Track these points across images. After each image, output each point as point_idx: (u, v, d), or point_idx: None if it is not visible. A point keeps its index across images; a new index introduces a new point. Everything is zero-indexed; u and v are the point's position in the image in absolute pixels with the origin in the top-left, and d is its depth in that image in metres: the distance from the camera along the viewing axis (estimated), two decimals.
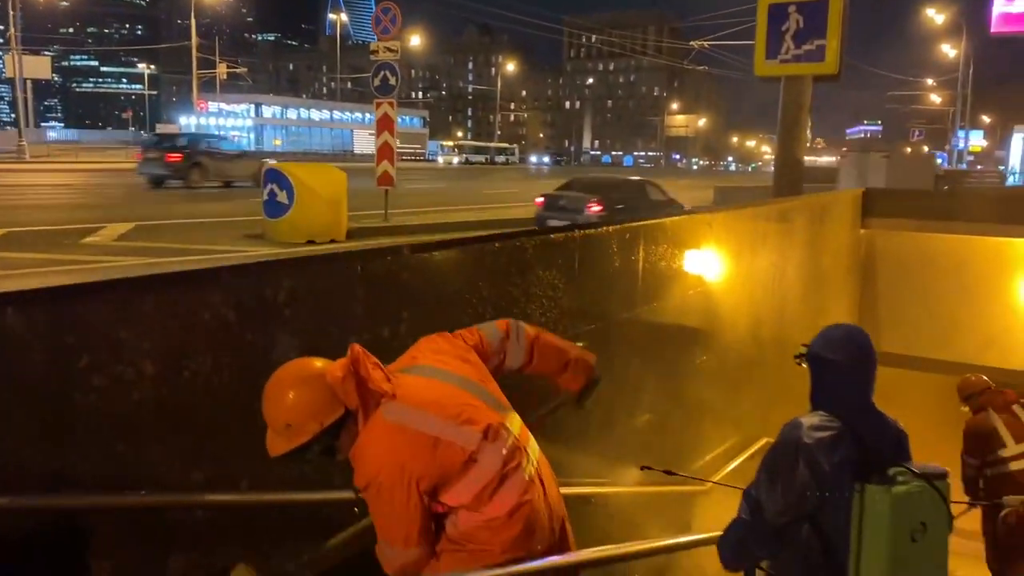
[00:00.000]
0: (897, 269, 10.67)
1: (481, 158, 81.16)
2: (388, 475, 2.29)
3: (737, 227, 6.69)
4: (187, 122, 69.46)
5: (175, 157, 21.91)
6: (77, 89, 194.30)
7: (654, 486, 5.48)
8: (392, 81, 14.94)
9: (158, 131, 52.46)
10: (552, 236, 4.26)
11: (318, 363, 2.37)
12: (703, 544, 3.11)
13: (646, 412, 5.48)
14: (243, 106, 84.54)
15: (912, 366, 11.00)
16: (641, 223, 5.08)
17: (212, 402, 2.64)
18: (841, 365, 2.66)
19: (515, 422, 2.59)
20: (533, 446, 2.64)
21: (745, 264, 6.92)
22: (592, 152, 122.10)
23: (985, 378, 6.54)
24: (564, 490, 3.47)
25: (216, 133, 44.73)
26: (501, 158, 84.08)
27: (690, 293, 5.99)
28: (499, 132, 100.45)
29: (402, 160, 52.76)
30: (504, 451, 2.44)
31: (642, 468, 4.45)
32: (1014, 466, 5.75)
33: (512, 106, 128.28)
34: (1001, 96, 71.48)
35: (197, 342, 2.57)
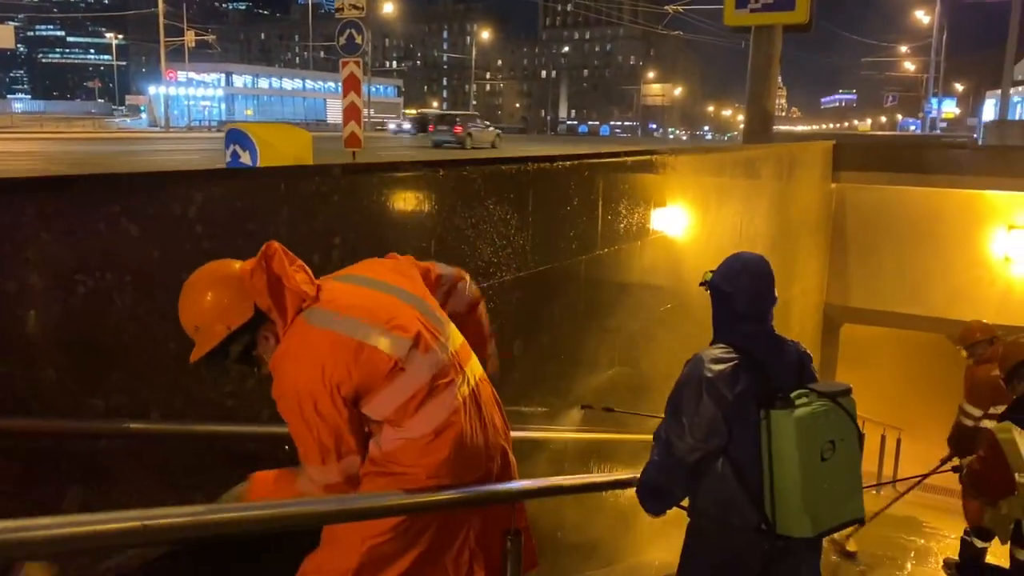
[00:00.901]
0: (868, 223, 10.55)
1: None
2: (307, 381, 2.11)
3: (702, 170, 6.51)
4: (156, 92, 68.00)
5: (459, 129, 28.46)
6: (43, 60, 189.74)
7: (612, 433, 5.34)
8: (358, 40, 14.56)
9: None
10: (503, 167, 4.04)
11: (236, 264, 2.22)
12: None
13: (607, 357, 5.31)
14: (213, 75, 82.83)
15: (882, 321, 10.96)
16: (601, 160, 4.88)
17: (115, 323, 2.42)
18: (737, 296, 2.66)
19: (454, 337, 2.40)
20: (473, 367, 2.44)
21: (712, 211, 6.75)
22: (569, 122, 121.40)
23: (991, 324, 6.16)
24: (517, 434, 3.30)
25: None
26: None
27: (654, 237, 5.81)
28: (474, 102, 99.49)
29: (375, 130, 52.07)
30: (436, 363, 2.26)
31: (582, 408, 4.33)
32: None
33: (488, 76, 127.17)
34: (974, 63, 71.69)
35: (92, 256, 2.34)
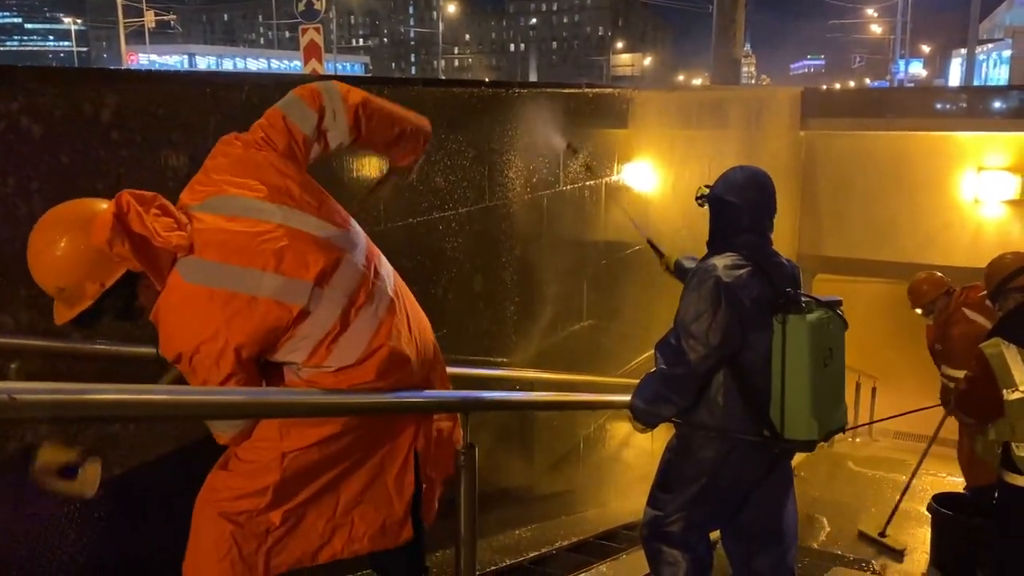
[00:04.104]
0: (839, 171, 10.45)
1: None
2: (198, 346, 1.85)
3: (669, 110, 6.34)
4: None
5: None
6: (1, 48, 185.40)
7: (590, 376, 5.21)
8: (317, 5, 14.30)
9: None
10: (455, 90, 3.84)
11: (101, 204, 1.87)
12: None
13: (571, 297, 5.16)
14: (176, 58, 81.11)
15: (854, 269, 10.91)
16: (559, 90, 4.69)
17: (22, 233, 2.21)
18: (743, 207, 2.69)
19: (357, 245, 2.10)
20: (386, 269, 2.19)
21: (679, 153, 6.59)
22: None
23: (940, 276, 5.78)
24: (484, 372, 3.13)
25: None
26: None
27: (617, 179, 5.64)
28: (443, 78, 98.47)
29: None
30: (345, 293, 2.00)
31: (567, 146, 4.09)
32: None
33: (456, 51, 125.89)
34: (940, 23, 72.00)
35: None
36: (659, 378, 2.68)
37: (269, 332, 1.91)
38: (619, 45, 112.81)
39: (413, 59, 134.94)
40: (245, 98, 2.80)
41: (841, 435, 9.44)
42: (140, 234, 1.82)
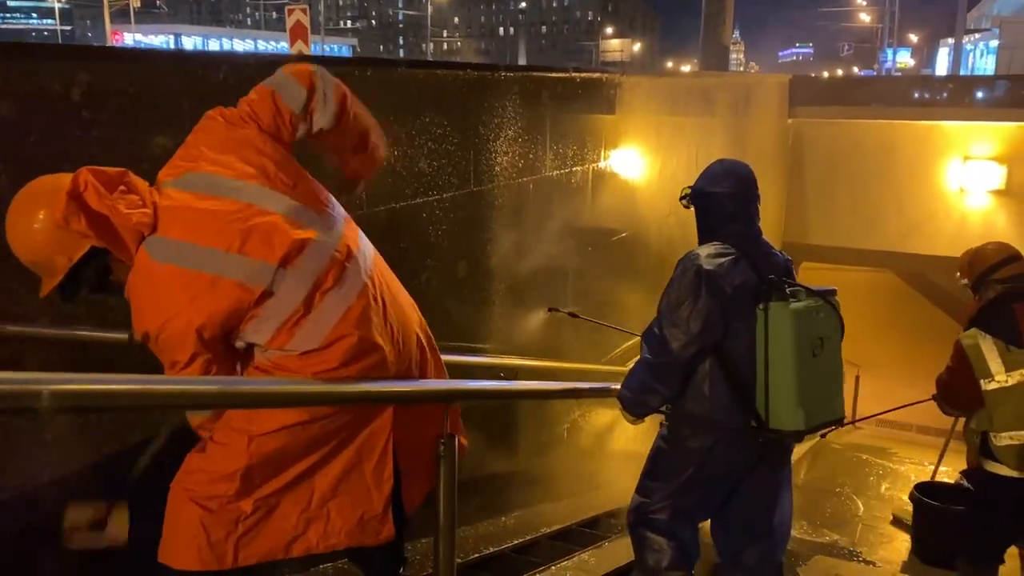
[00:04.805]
0: (825, 159, 10.44)
1: None
2: (162, 325, 1.85)
3: (657, 96, 6.29)
4: None
5: None
6: None
7: (573, 363, 5.18)
8: None
9: None
10: (439, 72, 3.78)
11: (66, 179, 1.85)
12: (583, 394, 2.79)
13: (557, 282, 5.12)
14: (161, 37, 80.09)
15: (839, 258, 10.93)
16: (546, 73, 4.63)
17: None
18: (725, 196, 2.70)
19: (332, 227, 2.05)
20: (365, 254, 2.13)
21: (665, 139, 6.55)
22: None
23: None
24: (477, 360, 3.07)
25: None
26: None
27: (604, 165, 5.60)
28: (429, 59, 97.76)
29: None
30: (312, 272, 1.96)
31: (549, 310, 4.17)
32: None
33: (444, 34, 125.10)
34: (928, 12, 72.10)
35: None
36: (644, 367, 2.69)
37: (231, 313, 1.90)
38: (608, 30, 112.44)
39: (401, 42, 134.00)
40: (222, 79, 2.73)
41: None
42: (99, 212, 1.82)
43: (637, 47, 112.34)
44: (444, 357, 2.38)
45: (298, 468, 2.05)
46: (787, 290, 2.55)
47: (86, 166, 1.86)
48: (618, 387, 2.85)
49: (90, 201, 1.82)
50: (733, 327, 2.57)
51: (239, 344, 2.00)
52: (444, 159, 3.84)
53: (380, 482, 2.14)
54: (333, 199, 2.16)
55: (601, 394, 3.40)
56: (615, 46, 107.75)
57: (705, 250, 2.64)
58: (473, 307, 4.11)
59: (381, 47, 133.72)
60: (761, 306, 2.52)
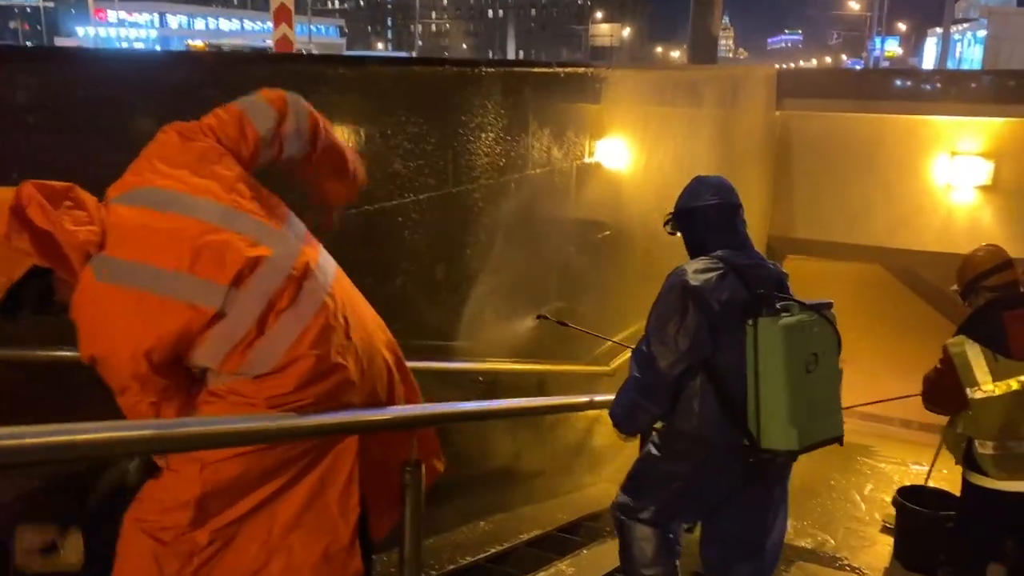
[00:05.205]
0: (813, 152, 10.34)
1: None
2: (109, 349, 1.75)
3: (642, 89, 6.17)
4: (85, 33, 64.69)
5: None
6: None
7: (556, 364, 5.09)
8: None
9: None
10: (416, 68, 3.65)
11: (8, 193, 1.73)
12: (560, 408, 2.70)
13: (539, 282, 5.01)
14: (146, 16, 79.27)
15: (825, 252, 10.87)
16: (528, 68, 4.51)
17: None
18: (708, 209, 2.67)
19: (287, 243, 1.94)
20: (326, 270, 2.01)
21: (651, 134, 6.42)
22: None
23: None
24: (455, 365, 2.96)
25: None
26: None
27: (592, 159, 5.48)
28: (420, 43, 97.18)
29: None
30: (265, 292, 1.85)
31: (537, 317, 4.09)
32: None
33: (433, 15, 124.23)
34: (917, 2, 72.17)
35: None
36: (633, 386, 2.66)
37: (181, 335, 1.79)
38: (599, 15, 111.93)
39: (389, 23, 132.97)
40: (184, 78, 2.60)
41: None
42: (43, 229, 1.71)
43: (627, 32, 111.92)
44: (421, 363, 2.29)
45: (257, 497, 1.95)
46: (778, 305, 2.48)
47: (30, 179, 1.75)
48: (600, 399, 2.83)
49: (34, 217, 1.70)
50: (722, 344, 2.50)
51: (193, 367, 1.90)
52: (421, 159, 3.71)
53: (346, 511, 2.03)
54: (292, 215, 2.06)
55: (583, 408, 3.31)
56: (605, 31, 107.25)
57: (692, 265, 2.59)
58: (451, 310, 4.00)
59: (369, 28, 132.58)
60: (750, 322, 2.44)
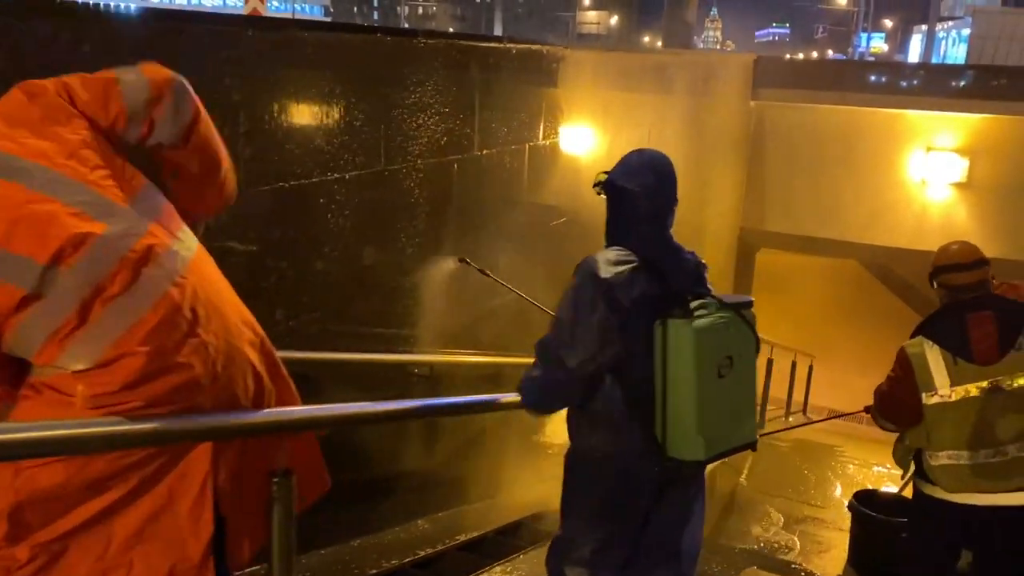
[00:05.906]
0: (788, 144, 10.17)
1: None
2: None
3: (605, 73, 5.91)
4: None
5: None
6: None
7: (496, 356, 4.85)
8: None
9: None
10: (346, 36, 3.37)
11: None
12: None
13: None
14: None
15: (798, 246, 10.73)
16: (480, 43, 4.24)
17: None
18: (639, 194, 2.42)
19: (130, 221, 1.68)
20: (181, 256, 1.75)
21: (614, 119, 6.18)
22: None
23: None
24: (402, 357, 2.72)
25: None
26: None
27: (544, 142, 5.23)
28: (406, 25, 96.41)
29: None
30: (88, 280, 1.60)
31: (460, 260, 3.82)
32: None
33: None
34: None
35: None
36: (539, 385, 2.44)
37: None
38: (586, 2, 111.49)
39: (376, 3, 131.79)
40: (72, 37, 2.31)
41: (773, 414, 9.26)
42: None
43: (615, 20, 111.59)
44: (345, 354, 2.03)
45: (91, 508, 1.69)
46: (693, 303, 2.28)
47: None
48: (507, 399, 2.61)
49: None
50: (631, 343, 2.30)
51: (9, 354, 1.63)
52: (347, 135, 3.44)
53: (198, 527, 1.77)
54: (151, 189, 1.78)
55: (487, 408, 3.07)
56: (592, 18, 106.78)
57: (603, 256, 2.36)
58: (382, 297, 3.75)
59: (355, 8, 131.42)
60: (658, 322, 2.25)
